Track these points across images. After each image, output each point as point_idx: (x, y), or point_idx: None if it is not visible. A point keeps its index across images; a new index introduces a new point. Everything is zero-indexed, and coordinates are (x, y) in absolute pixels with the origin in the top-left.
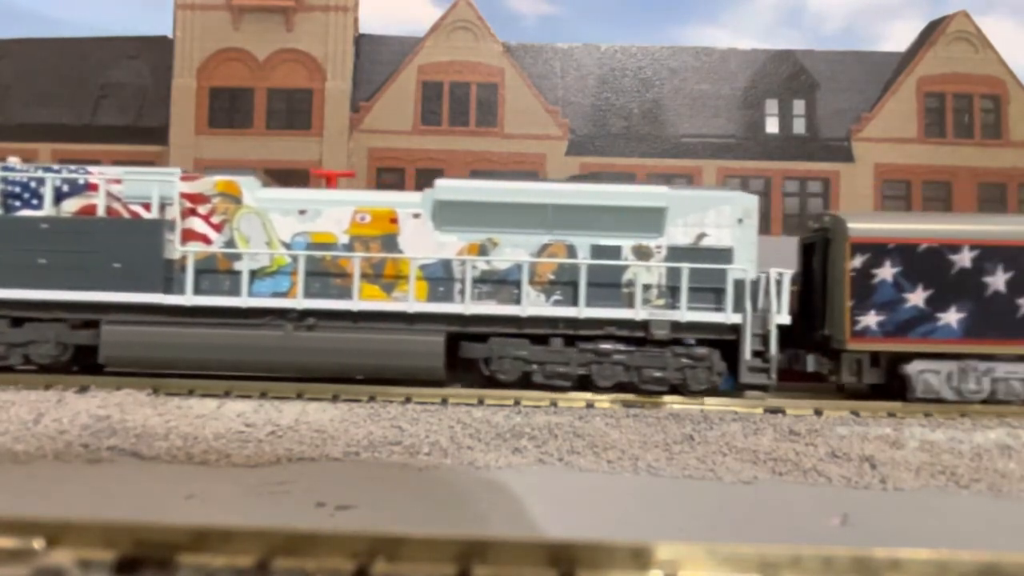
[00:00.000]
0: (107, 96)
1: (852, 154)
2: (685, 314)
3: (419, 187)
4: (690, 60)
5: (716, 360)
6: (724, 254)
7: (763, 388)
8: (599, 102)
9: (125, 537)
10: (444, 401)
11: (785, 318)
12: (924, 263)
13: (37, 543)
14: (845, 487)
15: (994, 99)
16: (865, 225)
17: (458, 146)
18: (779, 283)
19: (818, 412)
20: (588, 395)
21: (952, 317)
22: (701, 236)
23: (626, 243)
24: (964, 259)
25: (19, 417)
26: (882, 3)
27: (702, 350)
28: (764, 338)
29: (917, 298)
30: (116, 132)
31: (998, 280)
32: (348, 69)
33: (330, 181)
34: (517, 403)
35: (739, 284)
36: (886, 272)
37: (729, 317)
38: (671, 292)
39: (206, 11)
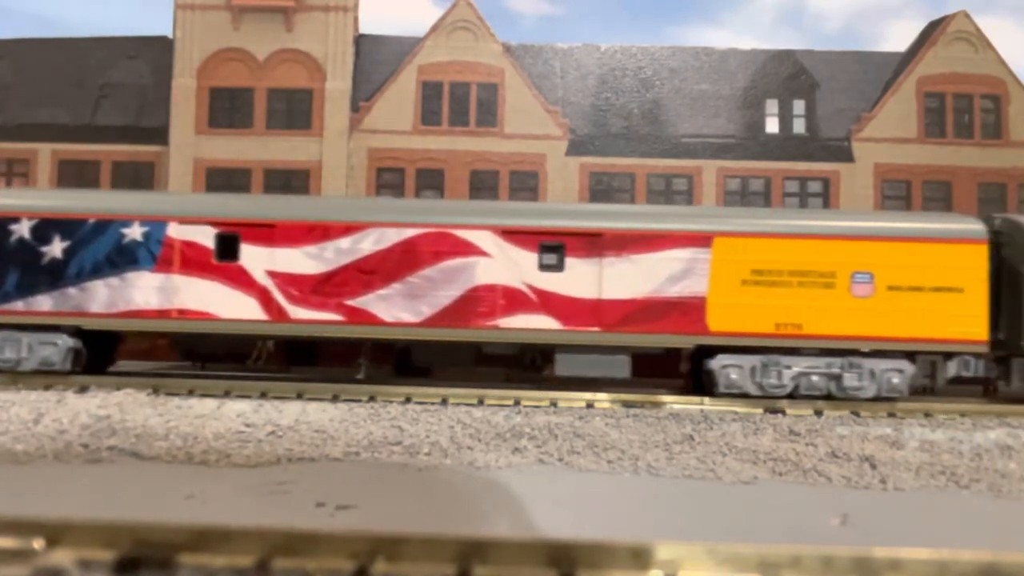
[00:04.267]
0: (107, 96)
1: (852, 154)
2: None
3: (419, 187)
4: (690, 60)
5: None
6: None
7: None
8: (599, 102)
9: (125, 537)
10: (444, 401)
11: None
12: None
13: (37, 543)
14: (845, 487)
15: (994, 99)
16: None
17: (458, 146)
18: None
19: (818, 412)
20: (588, 395)
21: None
22: None
23: None
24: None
25: (19, 417)
26: (882, 3)
27: None
28: None
29: None
30: (116, 132)
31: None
32: (348, 69)
33: None
34: (517, 403)
35: None
36: None
37: None
38: None
39: (206, 11)
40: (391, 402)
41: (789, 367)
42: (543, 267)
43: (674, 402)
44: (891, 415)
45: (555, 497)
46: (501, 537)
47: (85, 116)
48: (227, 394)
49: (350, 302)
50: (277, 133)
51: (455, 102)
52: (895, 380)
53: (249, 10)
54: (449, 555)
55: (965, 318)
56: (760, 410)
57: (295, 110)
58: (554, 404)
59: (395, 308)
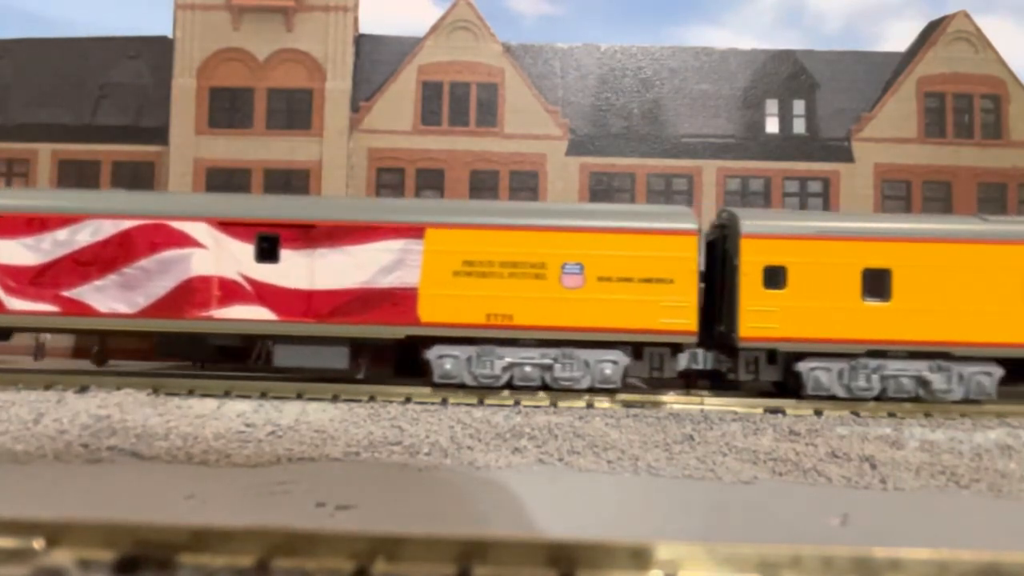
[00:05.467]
0: (107, 96)
1: (852, 154)
2: None
3: (419, 187)
4: (690, 60)
5: None
6: None
7: None
8: (599, 102)
9: (125, 537)
10: (444, 401)
11: None
12: None
13: (37, 543)
14: (845, 487)
15: (994, 99)
16: None
17: (458, 146)
18: None
19: (818, 412)
20: (588, 395)
21: None
22: None
23: None
24: None
25: (19, 417)
26: (882, 3)
27: None
28: None
29: None
30: (116, 132)
31: None
32: (348, 69)
33: None
34: (517, 403)
35: None
36: None
37: None
38: None
39: (206, 11)
40: (391, 402)
41: (502, 357)
42: (259, 258)
43: (674, 402)
44: (891, 415)
45: (555, 497)
46: (501, 537)
47: (85, 116)
48: (227, 394)
49: (66, 293)
50: (277, 133)
51: (455, 102)
52: (607, 371)
53: (249, 10)
54: (449, 555)
55: (675, 309)
56: (760, 410)
57: (295, 110)
58: (554, 404)
59: (110, 299)
